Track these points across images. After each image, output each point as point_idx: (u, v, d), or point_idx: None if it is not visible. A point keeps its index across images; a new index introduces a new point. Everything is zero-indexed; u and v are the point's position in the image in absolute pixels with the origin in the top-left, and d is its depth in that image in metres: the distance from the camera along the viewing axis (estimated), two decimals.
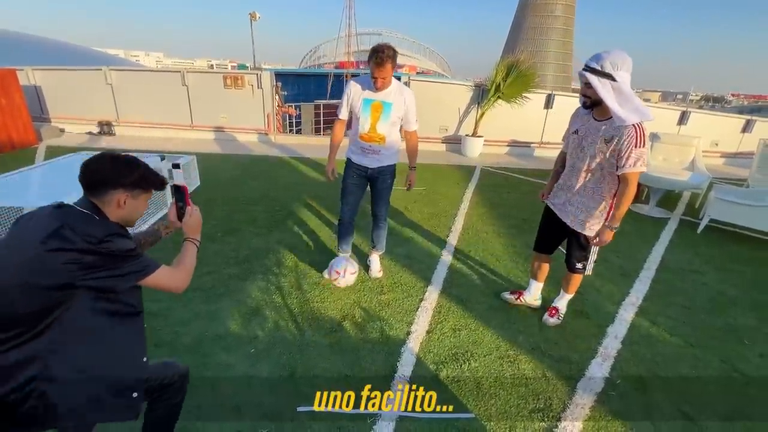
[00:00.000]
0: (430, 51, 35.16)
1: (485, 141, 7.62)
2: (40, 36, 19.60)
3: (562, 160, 2.30)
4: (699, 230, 4.14)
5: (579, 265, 2.27)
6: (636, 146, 1.79)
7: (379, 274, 2.91)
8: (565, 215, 2.19)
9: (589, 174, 2.03)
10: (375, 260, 2.95)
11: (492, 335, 2.34)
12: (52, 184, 3.32)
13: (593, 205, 2.06)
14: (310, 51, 32.71)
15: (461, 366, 2.09)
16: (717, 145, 8.48)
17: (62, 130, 7.66)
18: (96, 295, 1.06)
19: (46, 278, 0.98)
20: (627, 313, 2.64)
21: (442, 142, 8.06)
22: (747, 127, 8.42)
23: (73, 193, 2.71)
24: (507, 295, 2.68)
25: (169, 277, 1.24)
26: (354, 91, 2.43)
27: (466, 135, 7.62)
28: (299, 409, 1.78)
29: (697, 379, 2.10)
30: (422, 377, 2.00)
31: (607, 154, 1.90)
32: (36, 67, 7.58)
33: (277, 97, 8.39)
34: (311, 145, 7.85)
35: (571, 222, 2.16)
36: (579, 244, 2.21)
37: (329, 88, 15.42)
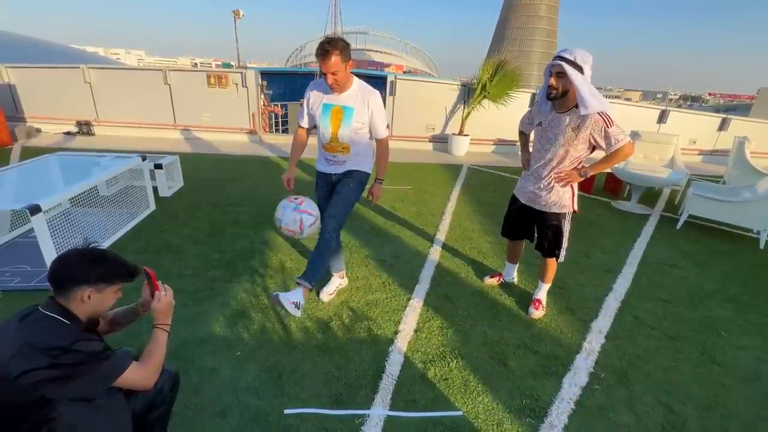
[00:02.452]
0: (416, 50, 35.26)
1: (472, 140, 7.68)
2: (14, 33, 18.92)
3: (523, 136, 2.49)
4: (678, 226, 4.26)
5: (557, 252, 2.36)
6: (608, 126, 1.94)
7: (331, 296, 2.57)
8: (536, 203, 2.30)
9: (556, 162, 2.15)
10: (331, 283, 2.62)
11: (479, 333, 2.36)
12: (26, 185, 3.20)
13: (562, 188, 2.20)
14: (296, 50, 32.40)
15: (449, 364, 2.10)
16: (695, 142, 8.73)
17: (38, 130, 7.42)
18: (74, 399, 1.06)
19: (18, 396, 1.00)
20: (610, 308, 2.69)
21: (429, 141, 8.09)
22: (723, 126, 8.69)
23: (47, 195, 2.63)
24: (488, 279, 2.88)
25: (140, 374, 1.21)
26: (312, 95, 2.19)
27: (453, 134, 7.67)
28: (286, 411, 1.76)
29: (677, 371, 2.15)
30: (410, 376, 2.00)
31: (576, 141, 2.03)
32: (10, 65, 7.31)
33: (262, 96, 8.29)
34: None
35: (542, 207, 2.28)
36: (552, 229, 2.31)
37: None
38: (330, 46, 1.93)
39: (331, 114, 2.15)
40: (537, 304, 2.56)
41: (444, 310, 2.57)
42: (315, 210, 2.23)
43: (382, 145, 2.32)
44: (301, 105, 2.28)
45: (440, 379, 2.00)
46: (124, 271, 1.26)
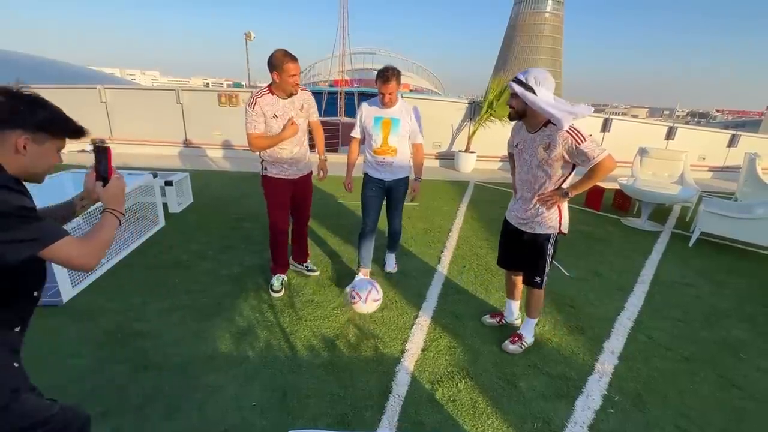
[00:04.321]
0: (423, 69, 35.90)
1: (478, 156, 7.71)
2: (35, 55, 19.73)
3: (512, 158, 2.34)
4: (691, 243, 4.18)
5: (537, 279, 2.22)
6: (579, 143, 1.84)
7: (394, 270, 3.25)
8: (524, 225, 2.20)
9: (537, 184, 2.07)
10: (391, 258, 3.28)
11: (488, 352, 2.31)
12: (41, 202, 3.26)
13: (548, 210, 2.11)
14: (305, 69, 33.23)
15: (457, 385, 2.05)
16: (704, 159, 8.66)
17: None
18: None
19: None
20: (623, 328, 2.63)
21: (436, 158, 8.14)
22: (732, 142, 8.62)
23: None
24: (488, 319, 2.61)
25: (78, 250, 0.95)
26: (365, 112, 2.68)
27: (460, 151, 7.71)
28: None
29: (694, 394, 2.07)
30: (417, 397, 1.96)
31: (550, 161, 1.95)
32: (30, 85, 7.58)
33: None
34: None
35: (529, 228, 2.17)
36: (536, 253, 2.18)
37: (324, 105, 15.60)
38: (390, 73, 2.48)
39: (382, 124, 2.65)
40: (515, 338, 2.35)
41: (452, 328, 2.53)
42: (381, 296, 2.36)
43: (419, 150, 2.86)
44: (356, 120, 2.76)
45: (448, 401, 1.95)
46: (71, 125, 1.02)
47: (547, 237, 2.13)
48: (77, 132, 1.04)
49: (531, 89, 1.87)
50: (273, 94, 2.46)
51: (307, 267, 3.13)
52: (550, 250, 2.16)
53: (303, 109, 2.59)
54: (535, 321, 2.38)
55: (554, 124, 1.88)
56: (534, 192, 2.09)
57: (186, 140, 7.87)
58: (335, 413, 1.83)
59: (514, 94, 1.94)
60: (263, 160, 2.70)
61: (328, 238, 3.87)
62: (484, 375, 2.13)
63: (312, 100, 2.67)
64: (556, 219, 2.10)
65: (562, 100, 1.91)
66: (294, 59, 2.35)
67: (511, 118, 2.05)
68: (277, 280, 2.84)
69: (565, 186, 2.02)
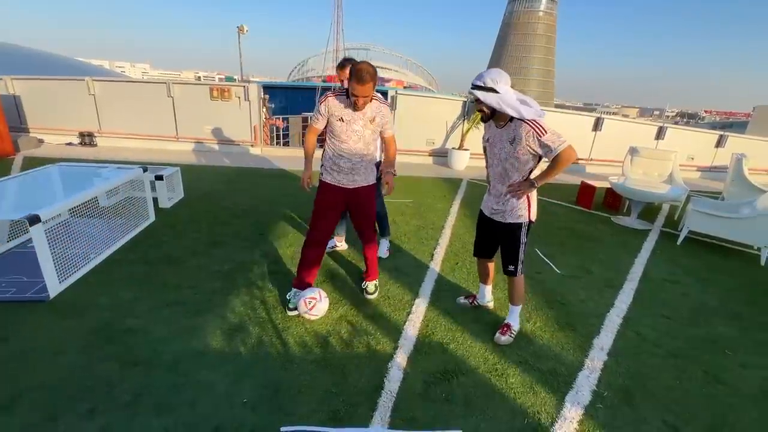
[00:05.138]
0: (417, 66, 35.84)
1: (471, 154, 7.73)
2: (21, 45, 19.24)
3: (486, 153, 2.39)
4: (679, 242, 4.25)
5: (511, 267, 2.33)
6: (541, 135, 1.97)
7: (386, 255, 3.42)
8: (496, 215, 2.31)
9: (506, 176, 2.18)
10: (384, 243, 3.46)
11: (480, 348, 2.33)
12: (26, 195, 3.20)
13: (518, 200, 2.22)
14: (298, 64, 32.96)
15: (449, 380, 2.06)
16: (693, 159, 8.80)
17: (41, 141, 7.46)
18: None
19: None
20: (612, 325, 2.66)
21: (429, 155, 8.15)
22: (720, 142, 8.78)
23: (47, 205, 2.63)
24: (462, 300, 2.79)
25: None
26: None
27: (453, 148, 7.73)
28: (283, 429, 1.71)
29: (681, 390, 2.11)
30: (410, 393, 1.96)
31: (516, 154, 2.07)
32: (15, 76, 7.41)
33: (264, 109, 8.38)
34: (299, 157, 7.81)
35: (501, 218, 2.28)
36: (509, 239, 2.29)
37: (317, 101, 15.52)
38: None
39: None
40: (505, 329, 2.42)
41: (444, 324, 2.54)
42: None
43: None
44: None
45: (440, 396, 1.96)
46: None
47: (519, 225, 2.24)
48: None
49: (492, 90, 1.98)
50: (347, 97, 2.31)
51: (365, 288, 2.81)
52: (523, 239, 2.27)
53: (374, 121, 2.39)
54: (519, 307, 2.47)
55: (519, 119, 2.00)
56: (503, 183, 2.22)
57: (177, 134, 7.76)
58: (327, 409, 1.83)
59: (477, 100, 2.05)
60: (322, 165, 2.53)
61: None
62: (475, 370, 2.14)
63: (387, 114, 2.43)
64: (525, 208, 2.21)
65: (521, 94, 2.03)
66: (361, 81, 2.12)
67: (484, 121, 2.18)
68: (292, 295, 2.56)
69: (532, 177, 2.14)
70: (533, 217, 2.25)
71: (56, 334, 2.21)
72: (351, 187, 2.49)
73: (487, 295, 2.74)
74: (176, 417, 1.73)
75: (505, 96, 1.98)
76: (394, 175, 2.61)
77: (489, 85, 1.98)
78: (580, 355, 2.34)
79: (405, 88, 26.44)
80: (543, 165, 2.16)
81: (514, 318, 2.47)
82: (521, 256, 2.30)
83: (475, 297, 2.78)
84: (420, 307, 2.72)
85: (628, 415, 1.92)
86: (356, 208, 2.59)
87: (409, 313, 2.63)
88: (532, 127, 1.98)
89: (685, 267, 3.69)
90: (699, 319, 2.82)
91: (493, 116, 2.11)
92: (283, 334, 2.33)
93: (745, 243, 4.02)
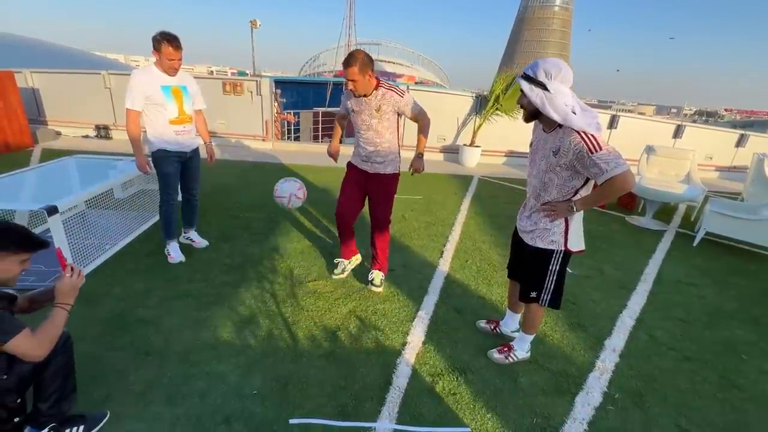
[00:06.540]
0: (428, 61, 35.54)
1: (483, 151, 7.65)
2: (40, 39, 19.63)
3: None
4: (695, 243, 4.15)
5: (533, 293, 1.95)
6: (593, 152, 1.54)
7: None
8: (525, 235, 1.95)
9: (544, 191, 1.81)
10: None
11: (489, 347, 2.31)
12: (44, 187, 3.27)
13: (551, 222, 1.83)
14: (309, 59, 32.95)
15: (458, 378, 2.05)
16: (711, 158, 8.57)
17: (58, 133, 7.62)
18: None
19: None
20: (624, 326, 2.62)
21: (440, 152, 8.09)
22: (741, 142, 8.52)
23: (64, 197, 2.68)
24: (482, 325, 2.46)
25: (31, 344, 1.25)
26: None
27: (464, 145, 7.65)
28: (292, 421, 1.73)
29: (695, 394, 2.07)
30: (418, 389, 1.96)
31: (559, 168, 1.69)
32: (35, 69, 7.56)
33: (276, 104, 8.41)
34: (309, 152, 7.85)
35: (529, 240, 1.91)
36: (534, 265, 1.93)
37: (328, 96, 15.50)
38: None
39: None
40: (504, 348, 2.18)
41: (453, 322, 2.53)
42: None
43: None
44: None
45: (448, 394, 1.95)
46: (27, 242, 1.32)
47: (550, 252, 1.85)
48: (34, 247, 1.34)
49: (542, 85, 1.60)
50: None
51: (372, 279, 2.80)
52: (553, 268, 1.87)
53: (380, 110, 2.42)
54: (530, 337, 2.15)
55: (569, 127, 1.61)
56: (538, 198, 1.84)
57: None
58: (336, 403, 1.84)
59: (522, 91, 1.68)
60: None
61: (332, 227, 3.87)
62: (484, 369, 2.13)
63: (398, 98, 2.40)
64: (560, 234, 1.81)
65: (583, 102, 1.65)
66: (346, 64, 2.25)
67: (526, 120, 1.78)
68: (338, 264, 2.92)
69: (575, 199, 1.75)
70: (571, 248, 1.83)
71: (71, 322, 2.24)
72: (370, 171, 2.62)
73: (512, 324, 2.37)
74: (187, 407, 1.76)
75: (556, 97, 1.58)
76: (421, 166, 2.57)
77: (540, 78, 1.60)
78: (591, 356, 2.30)
79: (416, 83, 26.29)
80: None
81: (521, 345, 2.17)
82: (550, 287, 1.91)
83: (498, 323, 2.43)
84: (429, 303, 2.71)
85: (639, 418, 1.89)
86: (373, 194, 2.69)
87: (417, 310, 2.62)
88: (583, 139, 1.55)
89: (700, 269, 3.60)
90: (715, 323, 2.75)
91: (535, 117, 1.73)
92: (292, 327, 2.35)
93: (765, 246, 3.90)
